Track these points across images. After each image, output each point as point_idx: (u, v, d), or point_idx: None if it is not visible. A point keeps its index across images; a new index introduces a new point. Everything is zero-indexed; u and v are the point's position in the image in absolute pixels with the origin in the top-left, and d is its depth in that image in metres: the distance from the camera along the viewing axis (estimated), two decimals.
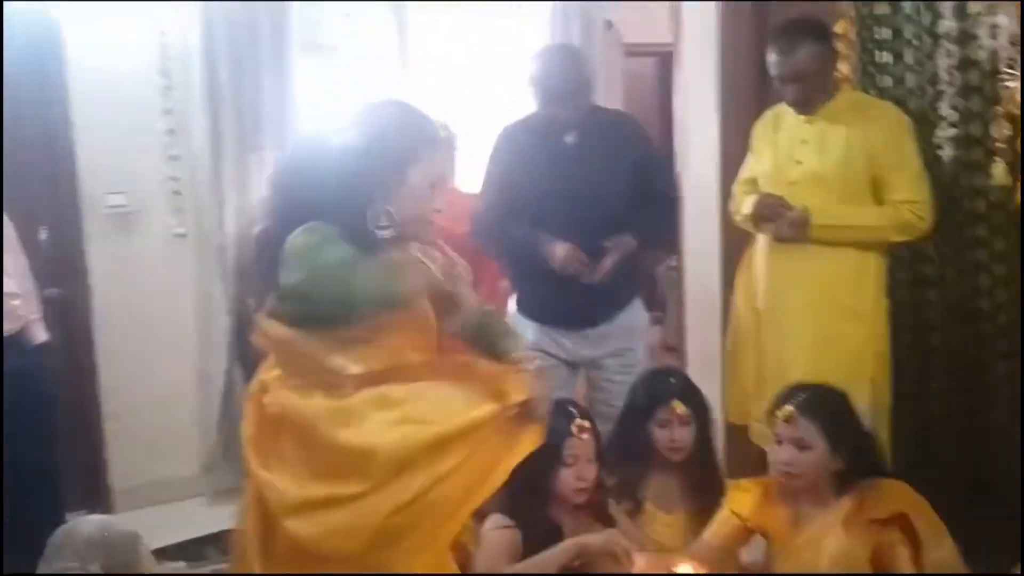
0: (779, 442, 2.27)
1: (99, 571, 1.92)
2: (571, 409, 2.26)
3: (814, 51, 2.71)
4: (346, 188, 1.74)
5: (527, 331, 2.90)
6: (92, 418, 3.74)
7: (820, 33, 2.77)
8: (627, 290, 2.94)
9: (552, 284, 2.77)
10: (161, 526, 2.78)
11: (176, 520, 3.46)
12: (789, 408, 2.24)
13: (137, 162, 3.74)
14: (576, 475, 2.21)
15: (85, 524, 2.02)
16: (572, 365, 2.97)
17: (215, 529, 3.09)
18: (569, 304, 2.82)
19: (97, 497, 3.54)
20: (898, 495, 2.23)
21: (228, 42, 3.79)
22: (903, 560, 2.15)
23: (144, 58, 3.69)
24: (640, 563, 2.14)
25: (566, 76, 2.79)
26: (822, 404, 2.26)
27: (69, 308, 3.66)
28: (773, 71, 2.78)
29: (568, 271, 2.72)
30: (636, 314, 3.00)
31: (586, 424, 2.23)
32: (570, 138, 2.85)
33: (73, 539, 1.95)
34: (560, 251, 2.72)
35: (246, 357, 3.89)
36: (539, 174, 2.84)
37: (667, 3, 4.00)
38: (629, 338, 2.96)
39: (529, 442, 1.80)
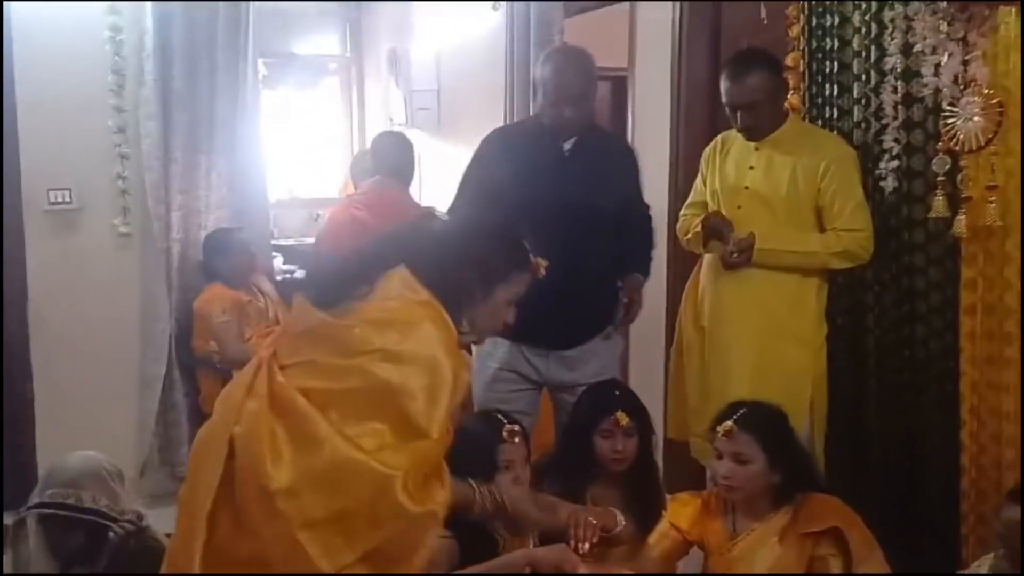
0: (719, 456, 2.34)
1: (90, 500, 1.91)
2: (499, 416, 2.28)
3: (764, 80, 2.80)
4: (441, 288, 1.75)
5: (498, 348, 2.88)
6: (26, 419, 3.67)
7: (770, 63, 2.86)
8: (605, 314, 2.92)
9: (530, 302, 2.66)
10: None
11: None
12: (729, 423, 2.32)
13: (84, 160, 3.70)
14: (512, 479, 2.22)
15: (74, 457, 2.02)
16: (539, 386, 2.94)
17: None
18: (547, 324, 2.68)
19: (28, 498, 3.45)
20: (832, 510, 2.31)
21: (183, 42, 3.78)
22: (834, 571, 2.22)
23: (95, 55, 3.65)
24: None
25: (577, 77, 2.78)
26: (761, 420, 2.35)
27: (6, 306, 3.59)
28: (725, 98, 2.87)
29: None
30: (612, 340, 2.97)
31: (516, 428, 2.25)
32: (568, 146, 2.83)
33: (65, 470, 1.95)
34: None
35: (185, 361, 3.85)
36: (533, 179, 2.78)
37: (623, 27, 4.07)
38: (605, 361, 2.93)
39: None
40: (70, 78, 3.63)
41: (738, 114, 2.84)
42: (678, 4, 3.66)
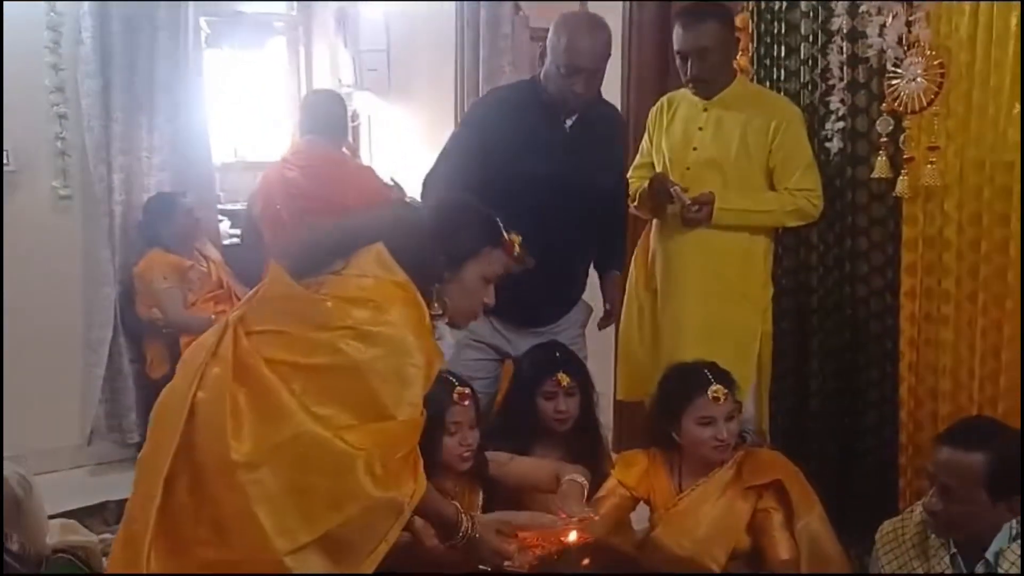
0: (709, 422, 2.34)
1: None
2: (450, 378, 2.28)
3: (717, 29, 2.78)
4: (414, 270, 1.74)
5: None
6: None
7: (724, 14, 2.85)
8: (580, 289, 2.91)
9: (512, 278, 2.55)
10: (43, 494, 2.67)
11: (57, 491, 3.33)
12: (720, 387, 2.34)
13: (21, 120, 3.59)
14: (459, 442, 2.24)
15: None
16: (503, 357, 2.88)
17: (97, 500, 2.99)
18: (523, 302, 2.49)
19: None
20: (774, 464, 2.37)
21: None
22: (776, 523, 2.29)
23: (30, 12, 3.54)
24: (529, 531, 2.17)
25: (595, 49, 2.61)
26: (730, 376, 2.40)
27: None
28: (677, 44, 2.83)
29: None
30: (581, 308, 2.95)
31: (466, 391, 2.26)
32: (570, 122, 2.71)
33: None
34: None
35: (131, 327, 3.80)
36: (529, 155, 2.63)
37: None
38: (576, 332, 2.91)
39: None
40: (5, 36, 3.50)
41: (688, 63, 2.81)
42: None
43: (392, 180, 3.66)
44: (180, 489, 1.63)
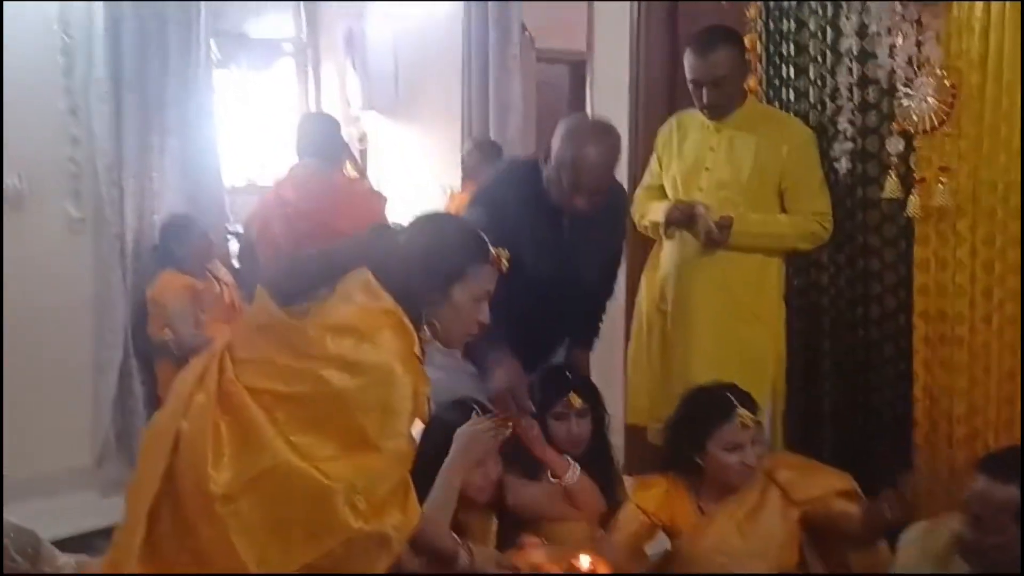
0: (736, 448, 2.31)
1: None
2: (474, 407, 2.27)
3: (730, 54, 2.79)
4: (400, 295, 1.72)
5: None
6: None
7: (736, 39, 2.85)
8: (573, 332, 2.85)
9: (508, 324, 2.33)
10: (51, 518, 2.68)
11: (67, 513, 3.33)
12: (748, 413, 2.31)
13: (34, 143, 3.61)
14: (483, 475, 2.24)
15: None
16: None
17: (107, 523, 2.97)
18: (519, 345, 2.49)
19: None
20: (814, 472, 2.39)
21: (133, 22, 3.71)
22: (837, 504, 2.30)
23: (45, 36, 3.57)
24: (540, 557, 2.17)
25: (601, 170, 2.44)
26: (753, 400, 2.38)
27: None
28: (690, 74, 2.82)
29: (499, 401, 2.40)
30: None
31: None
32: (566, 221, 2.56)
33: None
34: (500, 379, 2.39)
35: (141, 348, 3.80)
36: (525, 251, 2.39)
37: (581, 10, 4.07)
38: None
39: None
40: (19, 59, 3.53)
41: (703, 90, 2.81)
42: None
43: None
44: (164, 517, 1.63)
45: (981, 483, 1.94)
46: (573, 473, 2.42)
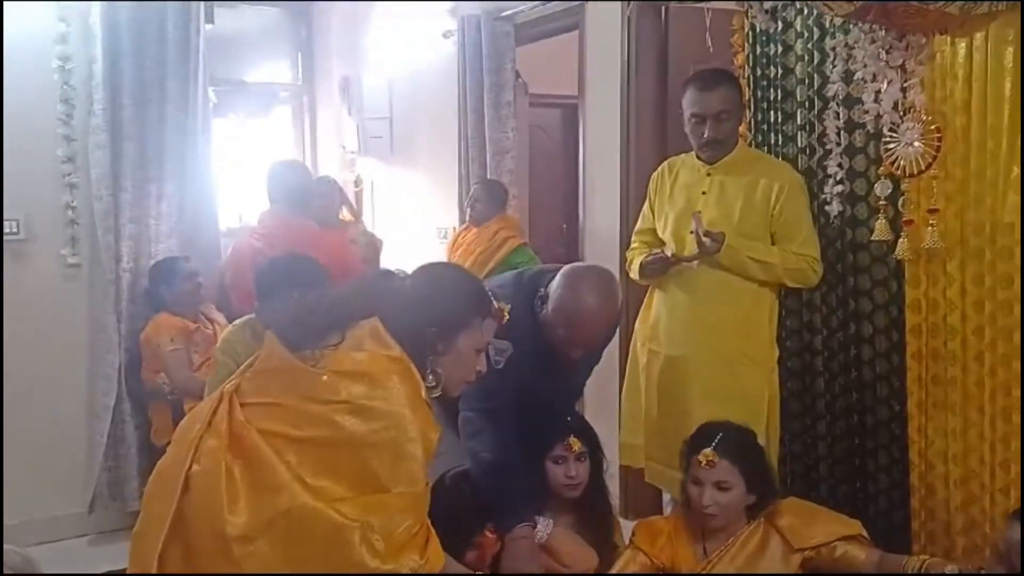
0: (698, 483, 2.33)
1: None
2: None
3: (732, 92, 2.86)
4: (407, 343, 1.74)
5: None
6: None
7: (734, 80, 2.93)
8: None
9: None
10: (43, 565, 2.64)
11: (59, 560, 3.31)
12: (710, 451, 2.31)
13: (32, 190, 3.65)
14: (479, 556, 2.26)
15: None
16: None
17: (99, 570, 2.96)
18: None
19: None
20: (815, 518, 2.37)
21: (132, 70, 3.75)
22: (840, 550, 2.28)
23: (44, 84, 3.61)
24: None
25: (597, 328, 2.36)
26: (739, 445, 2.37)
27: None
28: (694, 108, 2.87)
29: None
30: None
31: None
32: (578, 353, 2.44)
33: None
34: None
35: (135, 393, 3.80)
36: (530, 367, 2.34)
37: (573, 57, 4.13)
38: None
39: None
40: (18, 107, 3.58)
41: (706, 126, 2.85)
42: (627, 33, 3.73)
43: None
44: (174, 561, 1.63)
45: (1017, 531, 1.94)
46: (544, 525, 2.42)
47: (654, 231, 3.11)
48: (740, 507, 2.35)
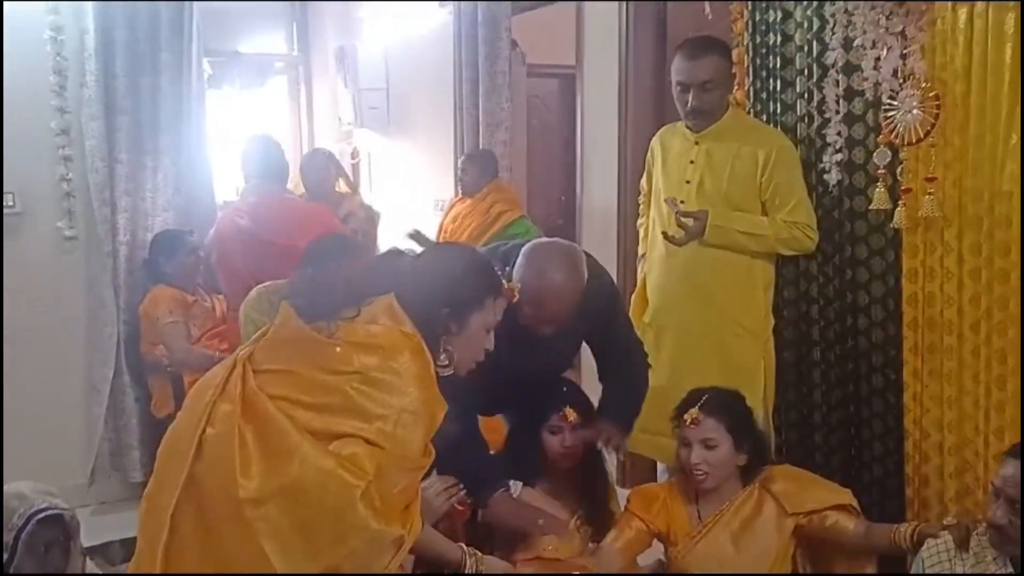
0: (687, 444, 2.37)
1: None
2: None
3: (718, 61, 2.85)
4: (422, 322, 1.79)
5: None
6: None
7: (724, 48, 2.92)
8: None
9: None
10: None
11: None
12: (695, 410, 2.35)
13: (27, 163, 3.63)
14: (448, 526, 2.28)
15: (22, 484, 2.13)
16: None
17: (100, 540, 2.97)
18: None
19: None
20: (813, 487, 2.40)
21: (125, 41, 3.73)
22: (831, 518, 2.30)
23: (37, 56, 3.59)
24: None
25: (565, 295, 2.32)
26: (724, 403, 2.39)
27: None
28: (678, 76, 2.87)
29: None
30: None
31: (468, 500, 2.30)
32: (547, 330, 2.40)
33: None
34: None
35: (134, 365, 3.80)
36: (506, 344, 2.17)
37: (570, 26, 4.10)
38: None
39: None
40: (11, 80, 3.56)
41: (690, 94, 2.85)
42: (624, 2, 3.70)
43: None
44: (186, 523, 1.67)
45: (1011, 467, 1.97)
46: (516, 489, 2.45)
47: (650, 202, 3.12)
48: (730, 467, 2.37)
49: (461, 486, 2.27)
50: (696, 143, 2.92)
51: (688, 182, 2.93)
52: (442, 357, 1.83)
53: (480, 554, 2.07)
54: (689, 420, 2.35)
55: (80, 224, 3.73)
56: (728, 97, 2.95)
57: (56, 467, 3.72)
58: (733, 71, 3.01)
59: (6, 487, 2.21)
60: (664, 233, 2.92)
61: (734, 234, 2.82)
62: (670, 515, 2.42)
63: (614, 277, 3.67)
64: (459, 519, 2.33)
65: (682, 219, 2.79)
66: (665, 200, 2.88)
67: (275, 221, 3.43)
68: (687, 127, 2.95)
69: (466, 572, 1.97)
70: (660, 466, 3.20)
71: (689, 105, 2.87)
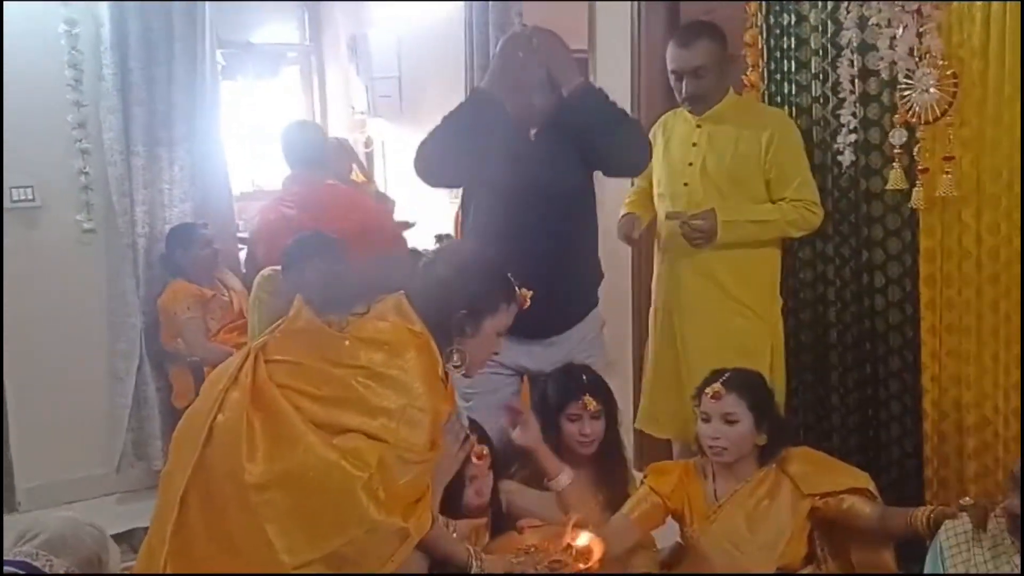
0: (707, 419, 2.38)
1: (67, 567, 1.88)
2: (468, 433, 2.28)
3: (710, 47, 2.85)
4: (436, 323, 1.83)
5: None
6: None
7: (716, 33, 2.90)
8: (588, 297, 2.81)
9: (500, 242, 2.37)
10: None
11: (87, 519, 3.36)
12: (717, 385, 2.37)
13: (45, 156, 3.65)
14: (476, 491, 2.29)
15: (54, 520, 1.99)
16: (521, 374, 2.79)
17: (125, 528, 3.01)
18: (529, 313, 2.31)
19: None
20: (830, 469, 2.40)
21: (139, 33, 3.74)
22: (865, 510, 2.29)
23: (52, 50, 3.60)
24: (537, 537, 2.21)
25: (522, 69, 2.60)
26: (747, 382, 2.40)
27: None
28: (671, 64, 2.91)
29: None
30: (594, 322, 2.82)
31: (484, 451, 2.30)
32: (535, 131, 2.67)
33: (42, 531, 1.92)
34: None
35: (156, 356, 3.84)
36: (500, 164, 2.58)
37: (582, 10, 4.08)
38: (591, 347, 2.78)
39: None
40: (27, 74, 3.57)
41: (683, 81, 2.88)
42: None
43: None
44: (194, 505, 1.73)
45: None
46: (566, 477, 2.44)
47: (646, 189, 3.11)
48: (748, 445, 2.38)
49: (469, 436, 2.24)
50: (698, 126, 2.93)
51: (691, 164, 2.93)
52: (454, 357, 1.88)
53: (484, 555, 2.07)
54: (711, 394, 2.36)
55: (99, 217, 3.74)
56: (726, 80, 2.94)
57: (82, 457, 3.80)
58: (745, 52, 3.00)
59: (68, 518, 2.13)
60: (669, 214, 2.92)
61: (746, 226, 2.82)
62: (687, 492, 2.43)
63: (627, 263, 3.70)
64: (476, 514, 2.31)
65: (692, 223, 2.79)
66: (668, 216, 2.89)
67: (320, 208, 3.44)
68: (688, 111, 2.96)
69: (472, 573, 1.99)
70: (675, 451, 3.21)
71: (684, 92, 2.89)
